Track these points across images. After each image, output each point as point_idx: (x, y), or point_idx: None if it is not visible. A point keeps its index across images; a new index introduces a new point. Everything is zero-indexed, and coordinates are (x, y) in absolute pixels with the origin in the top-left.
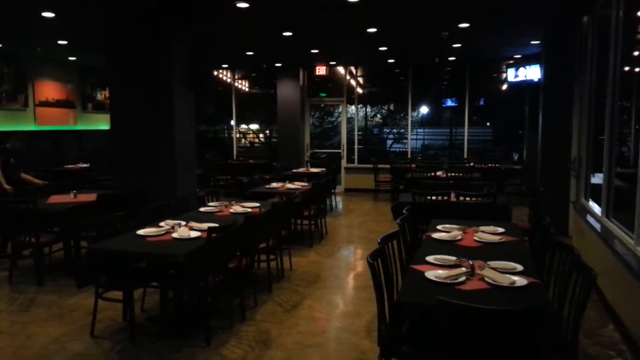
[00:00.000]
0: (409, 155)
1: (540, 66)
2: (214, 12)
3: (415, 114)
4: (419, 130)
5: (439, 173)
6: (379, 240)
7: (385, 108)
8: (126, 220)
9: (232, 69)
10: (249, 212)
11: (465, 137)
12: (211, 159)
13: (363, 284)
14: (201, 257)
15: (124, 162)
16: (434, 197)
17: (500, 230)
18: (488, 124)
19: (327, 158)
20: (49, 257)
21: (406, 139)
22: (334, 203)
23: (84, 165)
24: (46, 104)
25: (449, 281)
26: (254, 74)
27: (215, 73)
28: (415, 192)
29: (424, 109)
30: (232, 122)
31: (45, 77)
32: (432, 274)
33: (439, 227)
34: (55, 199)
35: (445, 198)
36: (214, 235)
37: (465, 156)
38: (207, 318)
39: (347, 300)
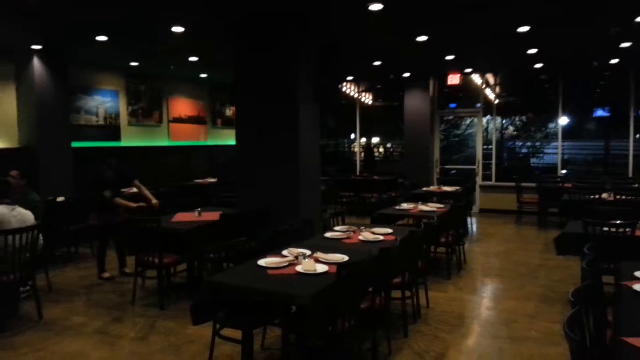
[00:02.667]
0: (558, 172)
1: None
2: (344, 17)
3: (552, 125)
4: (558, 143)
5: (604, 195)
6: (571, 298)
7: (518, 119)
8: (247, 245)
9: (356, 81)
10: (381, 241)
11: (631, 152)
12: (334, 174)
13: (520, 334)
14: (330, 299)
15: (247, 178)
16: (611, 229)
17: None
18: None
19: (457, 175)
20: (174, 276)
21: (541, 153)
22: (469, 226)
23: (212, 180)
24: (179, 120)
25: None
26: (378, 86)
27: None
28: (589, 222)
29: (562, 120)
30: (352, 136)
31: (178, 94)
32: None
33: (639, 273)
34: (180, 217)
35: (628, 230)
36: (345, 272)
37: (631, 174)
38: None
39: (504, 356)
